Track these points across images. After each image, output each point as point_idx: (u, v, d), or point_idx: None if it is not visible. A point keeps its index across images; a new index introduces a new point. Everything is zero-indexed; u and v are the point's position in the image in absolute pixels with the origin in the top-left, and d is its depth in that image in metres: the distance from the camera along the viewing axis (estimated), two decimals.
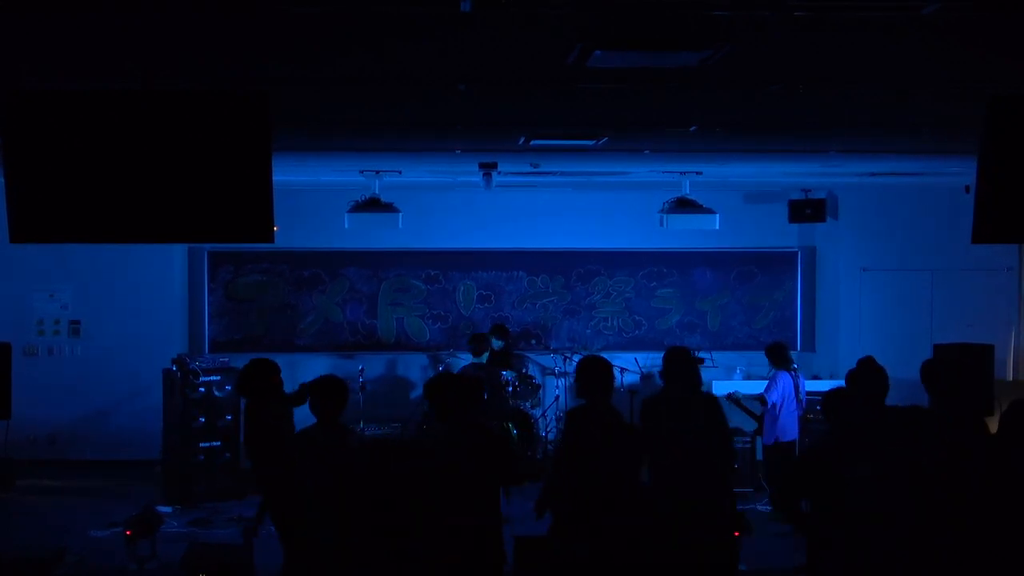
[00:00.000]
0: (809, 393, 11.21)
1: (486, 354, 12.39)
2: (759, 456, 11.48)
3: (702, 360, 8.09)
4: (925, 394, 6.81)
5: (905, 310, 13.45)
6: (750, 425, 11.55)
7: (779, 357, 10.85)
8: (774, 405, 10.67)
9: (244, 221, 4.71)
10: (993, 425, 6.47)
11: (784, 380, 10.65)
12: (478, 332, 12.80)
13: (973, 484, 5.35)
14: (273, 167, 4.69)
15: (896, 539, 5.41)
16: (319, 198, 12.88)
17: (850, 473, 5.58)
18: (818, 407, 10.93)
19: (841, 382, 7.68)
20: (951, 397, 6.00)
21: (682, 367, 7.30)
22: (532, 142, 7.99)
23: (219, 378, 11.78)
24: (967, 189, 11.21)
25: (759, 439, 11.32)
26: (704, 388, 12.80)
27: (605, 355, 13.14)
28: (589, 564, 5.08)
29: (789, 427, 10.65)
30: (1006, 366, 13.38)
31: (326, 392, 6.69)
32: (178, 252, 13.37)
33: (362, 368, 12.92)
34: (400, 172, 10.72)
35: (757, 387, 11.83)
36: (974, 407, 6.45)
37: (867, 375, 6.99)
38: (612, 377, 6.72)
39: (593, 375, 6.63)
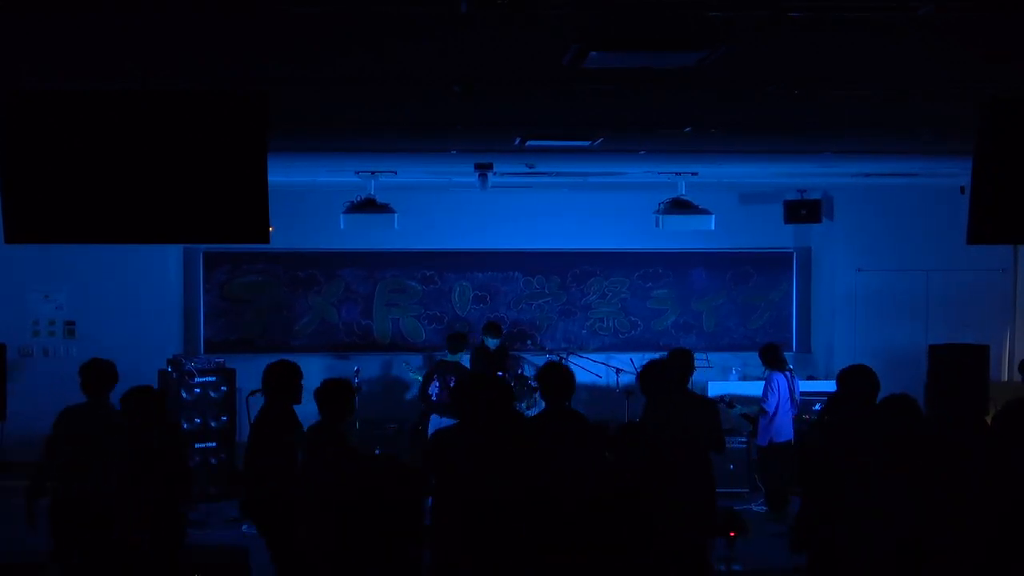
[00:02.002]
0: (803, 393, 11.22)
1: (461, 353, 12.27)
2: (756, 456, 11.49)
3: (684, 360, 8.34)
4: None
5: (900, 311, 13.47)
6: (746, 427, 11.57)
7: (773, 358, 10.86)
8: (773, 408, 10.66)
9: (240, 221, 4.70)
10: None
11: (779, 382, 10.66)
12: (457, 332, 12.71)
13: (973, 484, 5.35)
14: (269, 167, 4.69)
15: (896, 539, 5.41)
16: (315, 199, 12.87)
17: (847, 472, 5.59)
18: (815, 406, 10.99)
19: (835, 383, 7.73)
20: (950, 397, 6.02)
21: (656, 380, 7.61)
22: (528, 143, 7.99)
23: (214, 379, 11.76)
24: (962, 190, 11.23)
25: (756, 440, 11.35)
26: (700, 388, 12.91)
27: (600, 356, 13.39)
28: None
29: (784, 428, 10.66)
30: (1001, 367, 13.40)
31: (330, 397, 6.72)
32: (173, 253, 13.36)
33: (358, 369, 12.91)
34: (396, 173, 10.72)
35: (752, 387, 11.85)
36: (973, 407, 6.47)
37: (855, 375, 7.01)
38: (571, 382, 6.85)
39: (550, 381, 6.81)
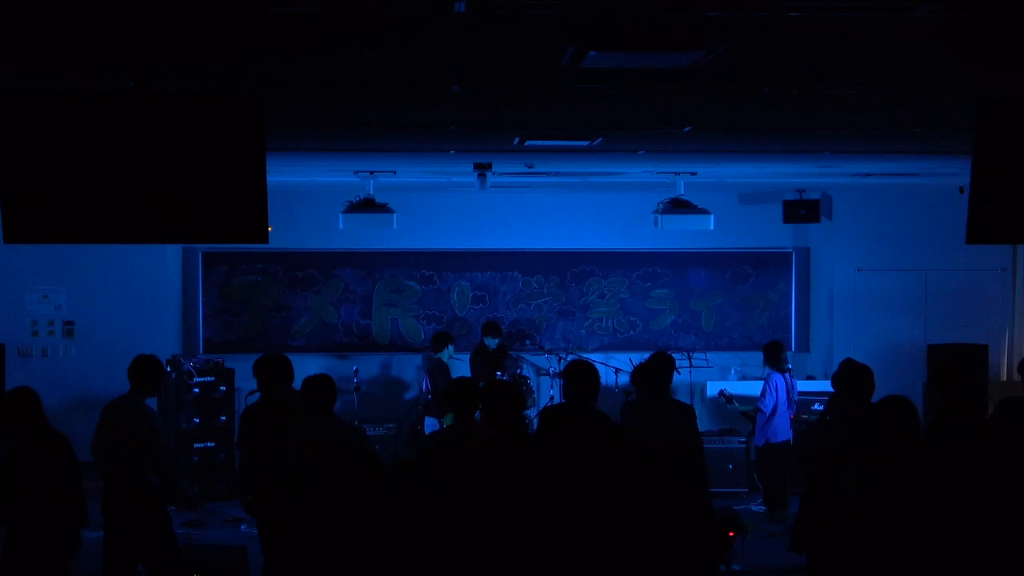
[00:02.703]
0: (802, 393, 11.23)
1: (444, 351, 12.21)
2: (754, 456, 11.49)
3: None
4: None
5: (899, 310, 13.47)
6: (744, 426, 11.57)
7: (776, 357, 10.84)
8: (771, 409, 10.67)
9: (238, 221, 4.70)
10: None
11: (778, 383, 10.66)
12: (438, 332, 12.72)
13: (973, 484, 5.36)
14: (267, 167, 4.69)
15: (895, 538, 5.41)
16: (313, 199, 12.88)
17: (847, 471, 5.59)
18: (814, 406, 10.99)
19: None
20: (950, 397, 6.02)
21: (651, 375, 7.58)
22: (527, 143, 7.99)
23: (213, 379, 11.76)
24: (961, 190, 11.23)
25: (753, 440, 11.35)
26: (700, 388, 12.92)
27: (599, 356, 13.41)
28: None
29: (781, 428, 10.66)
30: (1000, 367, 13.40)
31: (323, 389, 6.84)
32: (172, 253, 13.36)
33: (356, 369, 12.91)
34: (395, 172, 10.72)
35: (750, 387, 11.83)
36: (973, 407, 6.48)
37: (851, 374, 7.05)
38: (596, 381, 6.72)
39: (576, 378, 6.68)
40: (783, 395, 10.65)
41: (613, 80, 5.36)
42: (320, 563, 6.09)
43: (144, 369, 7.49)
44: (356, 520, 5.91)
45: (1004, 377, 13.31)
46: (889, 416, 5.38)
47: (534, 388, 13.28)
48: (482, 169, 9.78)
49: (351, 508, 5.99)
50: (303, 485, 6.51)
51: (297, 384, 7.53)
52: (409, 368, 13.86)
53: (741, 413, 11.25)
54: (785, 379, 10.72)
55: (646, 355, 13.73)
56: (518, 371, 13.22)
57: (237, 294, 13.61)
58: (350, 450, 6.58)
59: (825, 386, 11.72)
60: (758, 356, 13.41)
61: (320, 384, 6.99)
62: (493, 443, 6.25)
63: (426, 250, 13.67)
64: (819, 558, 6.37)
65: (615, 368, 13.02)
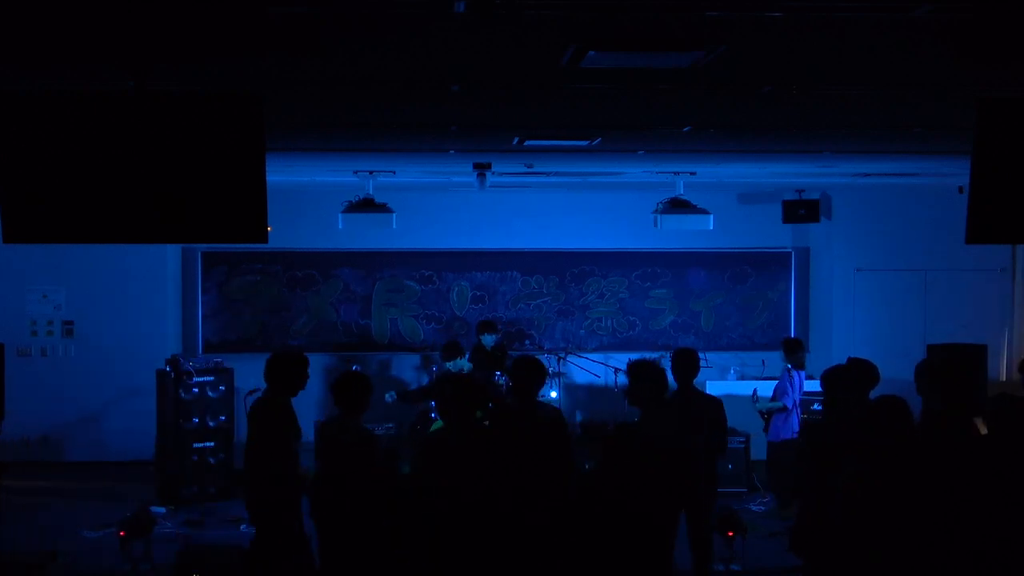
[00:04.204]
0: (805, 393, 11.22)
1: (454, 362, 11.75)
2: (754, 456, 11.48)
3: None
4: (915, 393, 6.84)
5: (898, 310, 13.48)
6: (743, 426, 11.56)
7: (793, 355, 10.84)
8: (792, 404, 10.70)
9: (238, 221, 4.70)
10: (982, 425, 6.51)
11: (794, 377, 10.69)
12: (453, 341, 12.50)
13: (970, 484, 5.36)
14: (267, 167, 4.69)
15: (891, 537, 5.41)
16: (313, 198, 12.88)
17: (843, 470, 5.59)
18: (814, 406, 10.98)
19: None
20: (948, 397, 6.02)
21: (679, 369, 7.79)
22: (526, 143, 7.99)
23: (212, 379, 11.75)
24: (960, 190, 11.23)
25: (753, 440, 11.34)
26: (699, 388, 12.87)
27: (599, 356, 13.41)
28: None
29: (796, 425, 10.66)
30: (999, 366, 13.41)
31: (350, 388, 6.79)
32: (171, 252, 13.36)
33: (356, 369, 12.89)
34: (394, 172, 10.71)
35: (750, 387, 11.81)
36: (970, 407, 6.49)
37: (847, 373, 7.06)
38: (541, 376, 7.09)
39: (522, 374, 7.00)
40: (798, 392, 10.70)
41: (613, 80, 5.36)
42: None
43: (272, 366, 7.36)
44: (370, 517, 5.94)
45: (1003, 377, 13.31)
46: (884, 414, 5.39)
47: None
48: (482, 169, 9.78)
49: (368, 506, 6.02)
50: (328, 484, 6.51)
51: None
52: (408, 368, 13.87)
53: (768, 411, 11.16)
54: (799, 376, 10.76)
55: (646, 355, 13.76)
56: None
57: (237, 294, 13.61)
58: (367, 452, 6.57)
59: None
60: (758, 356, 13.47)
61: (343, 383, 6.89)
62: (491, 442, 6.27)
63: (425, 250, 13.67)
64: (815, 558, 6.37)
65: (615, 368, 13.02)
